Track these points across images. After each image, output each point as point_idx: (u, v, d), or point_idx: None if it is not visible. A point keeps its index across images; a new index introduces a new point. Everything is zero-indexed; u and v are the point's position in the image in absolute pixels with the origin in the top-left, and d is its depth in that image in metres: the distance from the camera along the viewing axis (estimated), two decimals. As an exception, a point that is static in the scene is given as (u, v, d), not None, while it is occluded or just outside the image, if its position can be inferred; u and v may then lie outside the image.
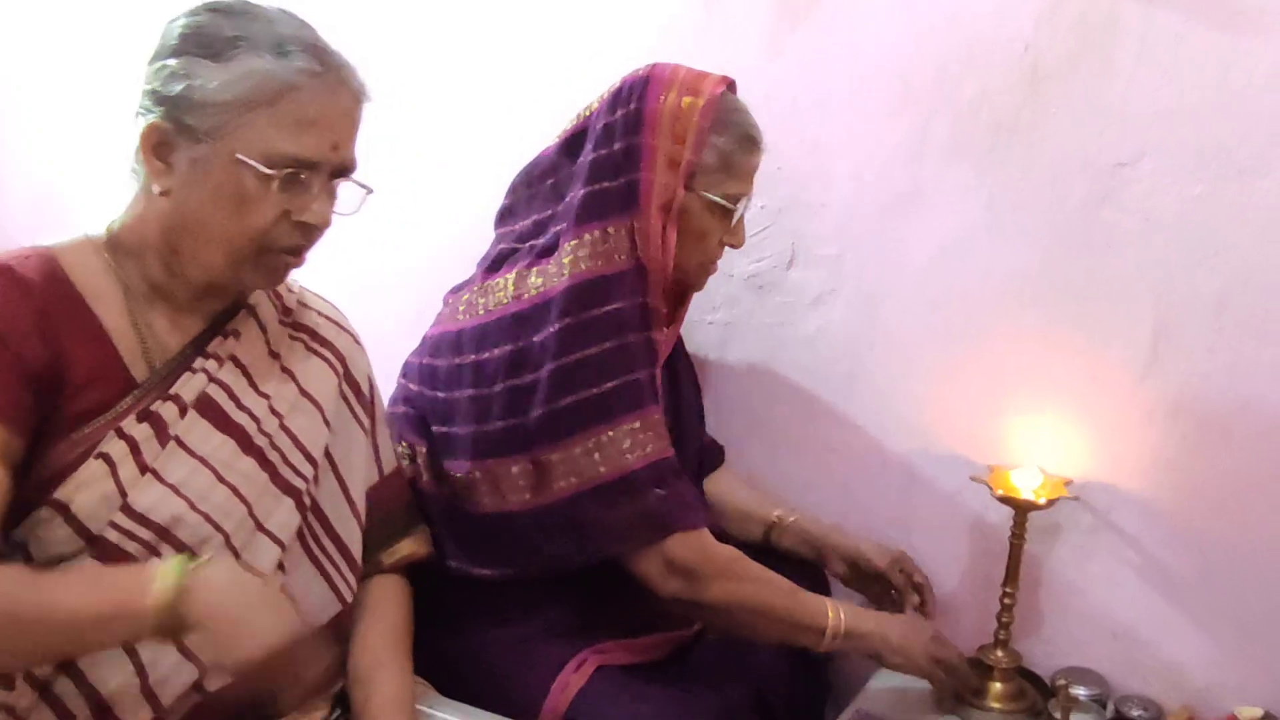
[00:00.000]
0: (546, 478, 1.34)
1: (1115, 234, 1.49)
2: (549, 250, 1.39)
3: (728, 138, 1.40)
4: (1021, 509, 1.49)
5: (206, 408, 1.13)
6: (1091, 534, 1.57)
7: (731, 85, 1.44)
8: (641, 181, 1.36)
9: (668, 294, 1.43)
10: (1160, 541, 1.54)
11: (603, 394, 1.33)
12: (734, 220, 1.44)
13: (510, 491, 1.36)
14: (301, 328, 1.27)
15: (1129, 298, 1.50)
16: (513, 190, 1.52)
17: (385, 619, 1.28)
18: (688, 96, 1.38)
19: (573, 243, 1.36)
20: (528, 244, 1.43)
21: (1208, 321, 1.46)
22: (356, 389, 1.30)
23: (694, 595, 1.37)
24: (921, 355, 1.64)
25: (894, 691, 1.59)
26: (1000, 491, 1.50)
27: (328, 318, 1.31)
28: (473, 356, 1.39)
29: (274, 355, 1.22)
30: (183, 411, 1.12)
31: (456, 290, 1.51)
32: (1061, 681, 1.47)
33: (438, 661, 1.32)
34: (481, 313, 1.41)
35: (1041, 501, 1.47)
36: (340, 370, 1.28)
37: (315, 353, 1.26)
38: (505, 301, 1.39)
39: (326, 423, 1.23)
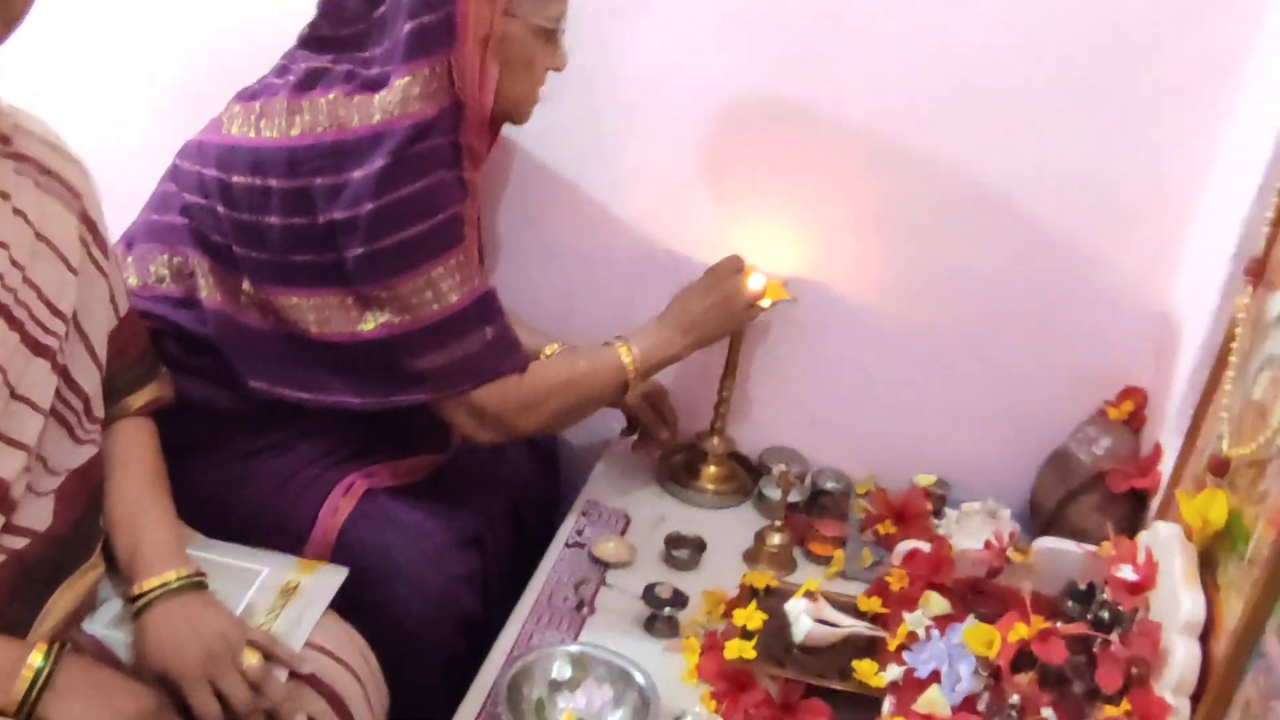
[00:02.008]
0: (373, 312, 1.32)
1: (839, 50, 1.55)
2: (375, 84, 1.32)
3: None
4: (746, 310, 1.61)
5: None
6: (798, 329, 1.71)
7: None
8: (458, 14, 1.31)
9: (484, 131, 1.40)
10: (856, 335, 1.72)
11: (426, 231, 1.31)
12: (557, 42, 1.42)
13: (337, 322, 1.33)
14: (25, 159, 1.12)
15: (847, 113, 1.58)
16: (319, 24, 1.40)
17: (139, 464, 1.24)
18: None
19: (404, 80, 1.30)
20: (343, 68, 1.34)
21: (919, 138, 1.57)
22: (93, 227, 1.19)
23: (509, 435, 1.44)
24: (647, 162, 1.68)
25: (616, 479, 1.73)
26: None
27: (51, 145, 1.17)
28: (282, 181, 1.31)
29: (2, 195, 1.08)
30: None
31: (248, 98, 1.39)
32: (782, 467, 1.64)
33: (196, 502, 1.31)
34: (295, 133, 1.32)
35: (766, 304, 1.58)
36: (76, 208, 1.16)
37: (45, 189, 1.12)
38: (324, 127, 1.31)
39: (72, 270, 1.13)
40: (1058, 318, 1.64)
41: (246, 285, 1.35)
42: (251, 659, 1.13)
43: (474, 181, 1.42)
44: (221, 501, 1.37)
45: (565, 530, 1.60)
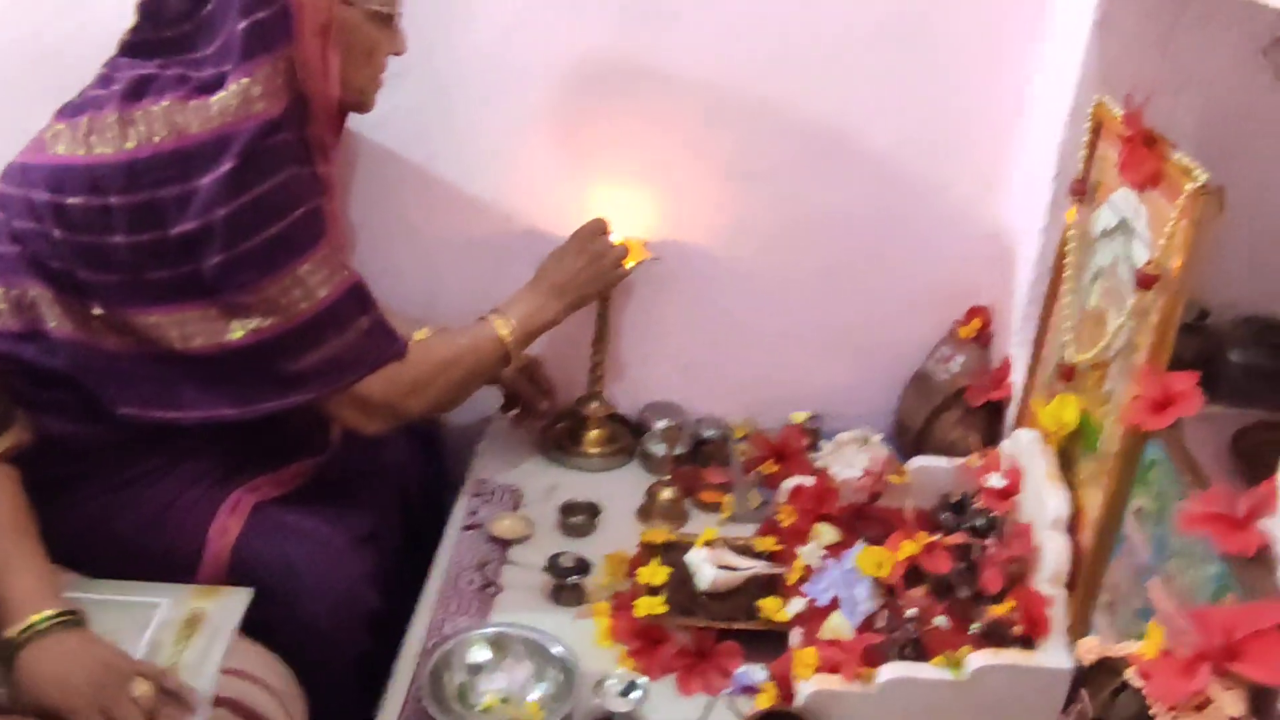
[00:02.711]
0: (241, 320, 1.29)
1: (679, 5, 1.59)
2: (210, 86, 1.27)
3: None
4: (610, 275, 1.65)
5: None
6: (663, 285, 1.76)
7: None
8: (293, 6, 1.28)
9: (332, 122, 1.38)
10: (719, 284, 1.79)
11: (286, 229, 1.28)
12: (394, 26, 1.41)
13: (202, 335, 1.30)
14: None
15: (690, 68, 1.63)
16: (140, 28, 1.35)
17: (3, 512, 1.20)
18: None
19: (244, 81, 1.27)
20: (173, 73, 1.29)
21: (759, 85, 1.63)
22: None
23: (397, 421, 1.44)
24: (499, 135, 1.69)
25: (501, 455, 1.76)
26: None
27: None
28: (123, 198, 1.26)
29: None
30: None
31: (71, 114, 1.32)
32: (663, 423, 1.69)
33: (72, 540, 1.28)
34: (131, 145, 1.27)
35: (629, 266, 1.62)
36: None
37: None
38: (163, 136, 1.26)
39: None
40: (906, 246, 1.74)
41: (97, 309, 1.31)
42: (143, 687, 1.12)
43: (328, 175, 1.40)
44: (99, 537, 1.34)
45: (458, 513, 1.62)
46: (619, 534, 1.59)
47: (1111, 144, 1.28)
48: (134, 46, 1.35)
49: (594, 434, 1.77)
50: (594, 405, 1.77)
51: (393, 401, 1.41)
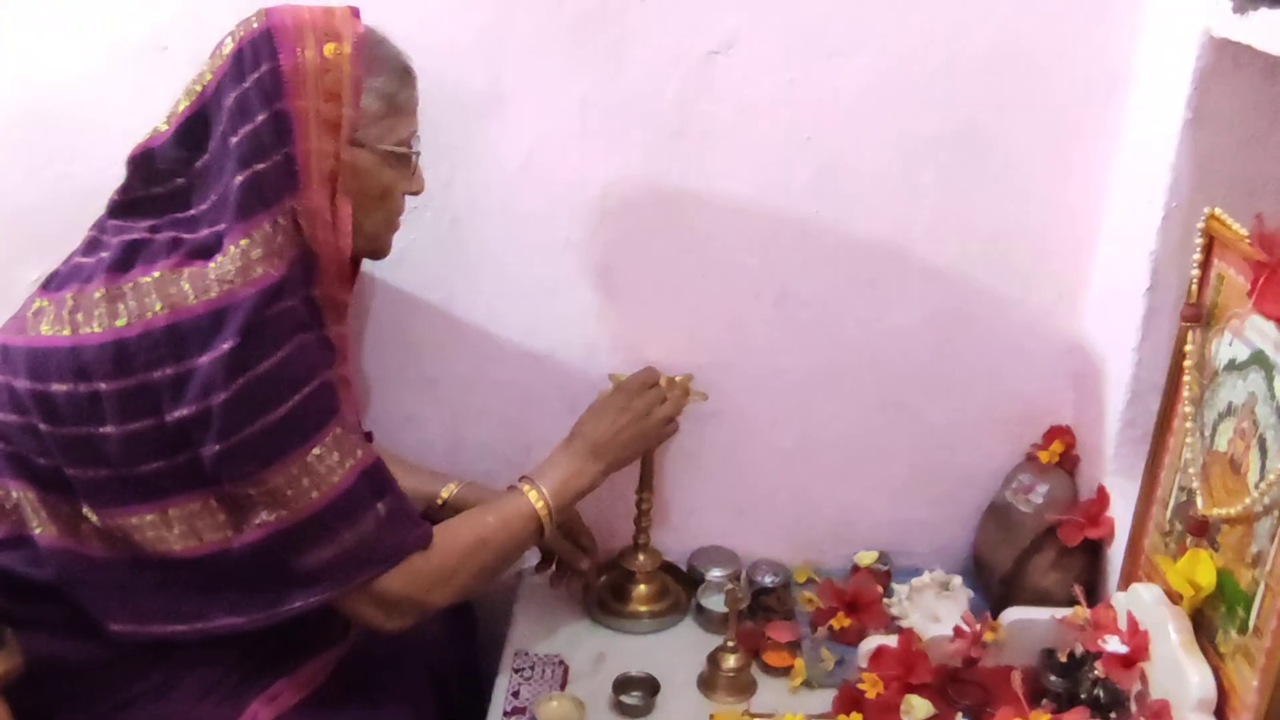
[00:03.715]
0: (245, 514, 1.15)
1: (712, 126, 1.46)
2: (207, 250, 1.14)
3: (386, 77, 1.23)
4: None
5: None
6: (709, 420, 1.61)
7: (356, 12, 1.23)
8: (298, 155, 1.16)
9: (344, 278, 1.24)
10: (770, 417, 1.64)
11: (292, 410, 1.14)
12: (412, 165, 1.29)
13: (200, 533, 1.16)
14: None
15: (729, 190, 1.49)
16: (130, 186, 1.23)
17: None
18: (330, 43, 1.17)
19: (243, 241, 1.14)
20: (165, 237, 1.16)
21: (806, 206, 1.49)
22: None
23: (421, 617, 1.29)
24: (522, 270, 1.56)
25: (538, 618, 1.60)
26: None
27: None
28: (113, 383, 1.12)
29: None
30: None
31: (55, 288, 1.19)
32: (716, 573, 1.54)
33: None
34: (122, 323, 1.13)
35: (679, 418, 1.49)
36: None
37: None
38: (155, 312, 1.12)
39: None
40: (972, 365, 1.59)
41: (86, 511, 1.16)
42: None
43: (342, 336, 1.26)
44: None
45: (499, 695, 1.45)
46: (680, 710, 1.42)
47: (1230, 263, 1.14)
48: (123, 207, 1.22)
49: (641, 589, 1.61)
50: (641, 559, 1.60)
51: (415, 596, 1.25)
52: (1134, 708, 1.21)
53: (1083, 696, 1.27)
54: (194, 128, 1.20)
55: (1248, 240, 1.08)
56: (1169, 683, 1.16)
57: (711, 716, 1.36)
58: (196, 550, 1.16)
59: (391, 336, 1.59)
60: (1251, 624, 1.07)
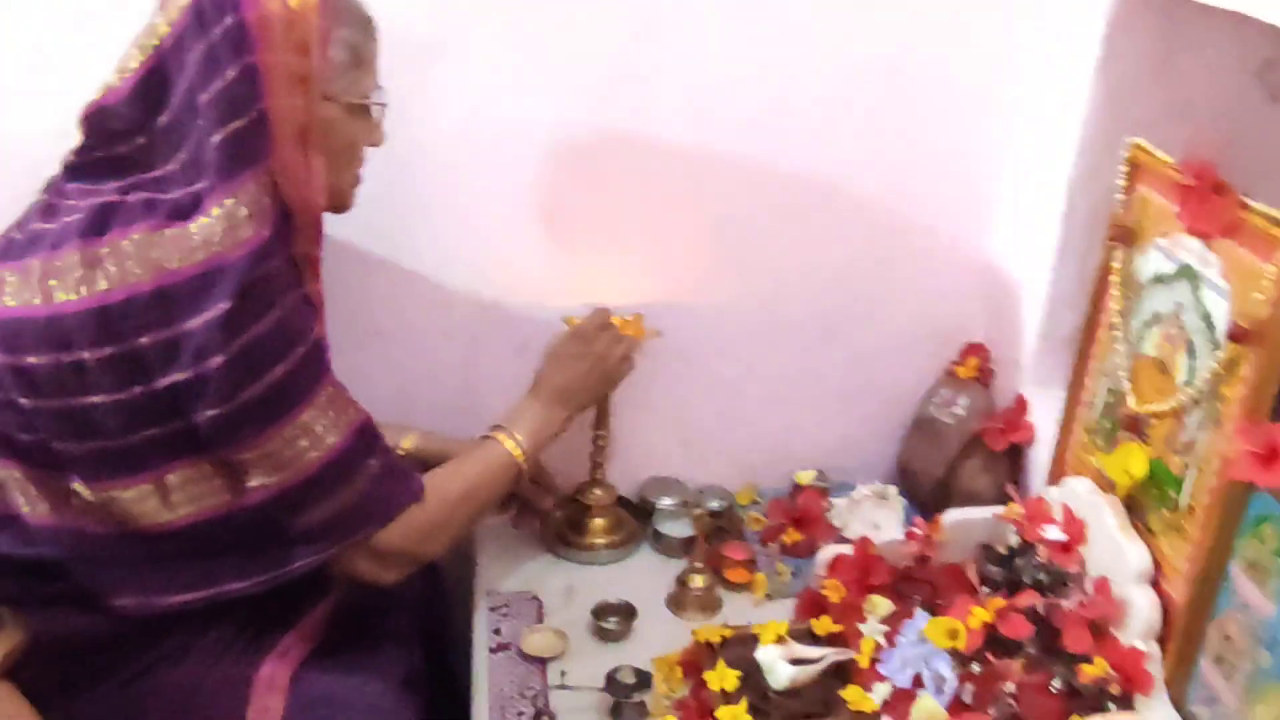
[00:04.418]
0: (242, 478, 1.16)
1: (654, 71, 1.52)
2: (184, 211, 1.12)
3: (351, 28, 1.23)
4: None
5: None
6: (654, 355, 1.68)
7: None
8: (270, 111, 1.14)
9: (318, 234, 1.24)
10: (712, 348, 1.73)
11: (289, 372, 1.15)
12: (376, 117, 1.29)
13: (202, 497, 1.17)
14: None
15: (671, 133, 1.56)
16: (87, 146, 1.19)
17: None
18: None
19: (228, 202, 1.12)
20: (138, 198, 1.14)
21: (745, 145, 1.58)
22: None
23: (415, 568, 1.33)
24: (472, 218, 1.59)
25: (502, 558, 1.67)
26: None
27: None
28: (97, 351, 1.11)
29: None
30: None
31: (16, 256, 1.16)
32: (668, 501, 1.62)
33: None
34: (104, 286, 1.11)
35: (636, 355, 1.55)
36: None
37: None
38: (138, 275, 1.11)
39: None
40: (894, 290, 1.72)
41: (77, 486, 1.15)
42: None
43: (318, 294, 1.28)
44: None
45: (480, 633, 1.51)
46: (655, 631, 1.51)
47: (1154, 187, 1.28)
48: (82, 169, 1.20)
49: (599, 522, 1.68)
50: (598, 493, 1.68)
51: (410, 548, 1.30)
52: (1074, 588, 1.37)
53: (1026, 581, 1.42)
54: (152, 84, 1.17)
55: (1173, 167, 1.22)
56: (1108, 561, 1.31)
57: (694, 633, 1.45)
58: (194, 517, 1.17)
59: (339, 289, 1.57)
60: (1184, 503, 1.23)
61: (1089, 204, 1.48)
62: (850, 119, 1.59)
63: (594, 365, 1.50)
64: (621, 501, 1.74)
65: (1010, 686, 1.27)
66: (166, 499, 1.16)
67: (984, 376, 1.74)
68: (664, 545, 1.68)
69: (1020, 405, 1.64)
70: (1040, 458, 1.59)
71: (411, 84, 1.49)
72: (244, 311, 1.12)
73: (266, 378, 1.14)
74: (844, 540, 1.62)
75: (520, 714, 1.38)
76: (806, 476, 1.76)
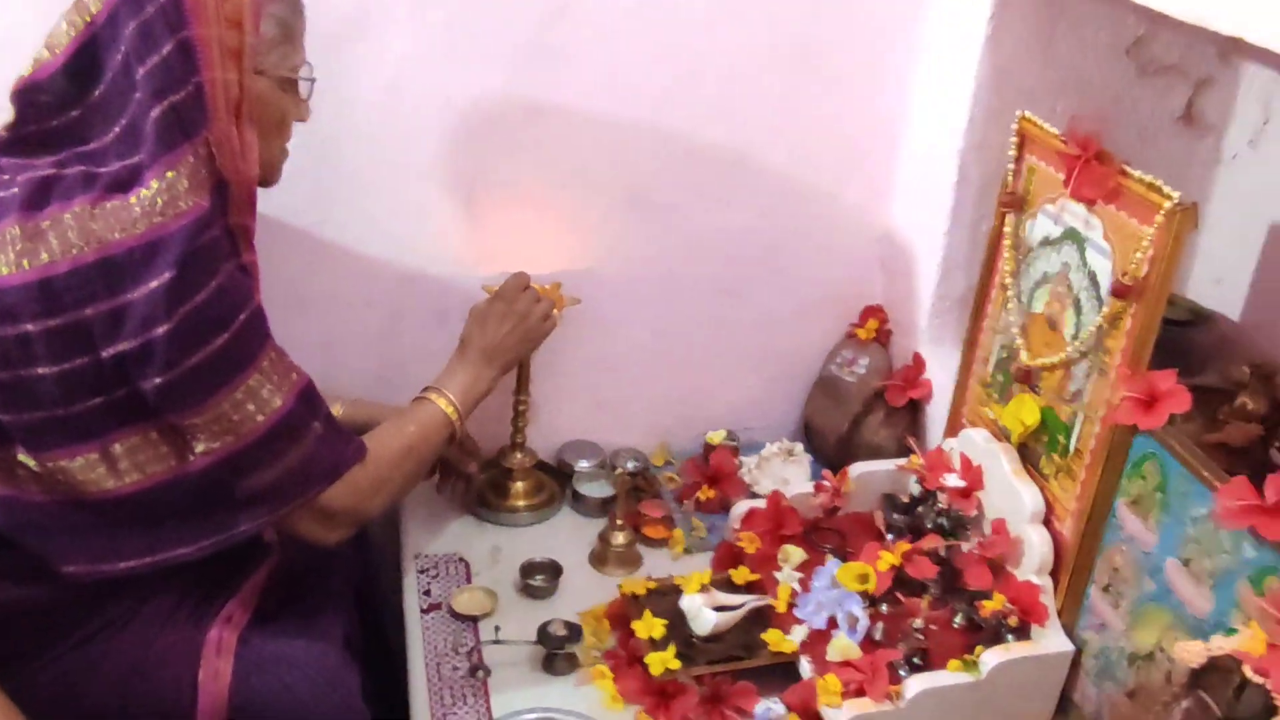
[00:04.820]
0: (188, 443, 1.17)
1: (570, 44, 1.56)
2: (123, 184, 1.13)
3: (282, 3, 1.25)
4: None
5: None
6: (568, 322, 1.72)
7: None
8: (206, 84, 1.15)
9: (252, 205, 1.25)
10: (624, 315, 1.79)
11: (232, 338, 1.17)
12: (306, 92, 1.31)
13: (149, 464, 1.17)
14: None
15: (586, 104, 1.60)
16: (21, 121, 1.19)
17: None
18: None
19: (169, 174, 1.13)
20: (75, 171, 1.14)
21: (657, 117, 1.63)
22: None
23: (358, 526, 1.35)
24: (392, 190, 1.61)
25: (427, 523, 1.70)
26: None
27: None
28: (41, 322, 1.11)
29: None
30: None
31: None
32: (584, 464, 1.66)
33: (48, 708, 1.13)
34: (44, 260, 1.11)
35: (557, 315, 1.60)
36: None
37: None
38: (81, 248, 1.11)
39: None
40: (797, 256, 1.80)
41: (22, 456, 1.15)
42: None
43: (254, 264, 1.29)
44: (76, 702, 1.20)
45: (410, 595, 1.55)
46: (579, 587, 1.57)
47: (1041, 156, 1.38)
48: (15, 143, 1.19)
49: (520, 485, 1.73)
50: (519, 457, 1.72)
51: (355, 507, 1.32)
52: (973, 530, 1.47)
53: (929, 526, 1.52)
54: (85, 58, 1.17)
55: (1059, 137, 1.32)
56: (1003, 504, 1.42)
57: (620, 586, 1.52)
58: (142, 484, 1.18)
59: (261, 260, 1.59)
60: (1072, 447, 1.34)
61: (979, 173, 1.58)
62: (756, 93, 1.66)
63: (517, 324, 1.54)
64: (541, 465, 1.78)
65: (918, 623, 1.37)
66: (114, 467, 1.17)
67: (883, 337, 1.83)
68: (583, 506, 1.74)
69: (918, 363, 1.74)
70: (937, 412, 1.69)
71: (333, 58, 1.49)
72: (187, 280, 1.14)
73: (211, 344, 1.16)
74: (755, 496, 1.71)
75: (456, 669, 1.42)
76: (717, 436, 1.83)
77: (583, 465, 1.79)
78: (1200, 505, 1.14)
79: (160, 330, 1.12)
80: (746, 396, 1.88)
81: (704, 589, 1.44)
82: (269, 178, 1.34)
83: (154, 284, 1.12)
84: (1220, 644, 0.96)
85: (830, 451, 1.80)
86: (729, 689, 1.38)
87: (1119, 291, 1.22)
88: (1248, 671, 0.92)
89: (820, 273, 1.82)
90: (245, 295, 1.21)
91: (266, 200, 1.52)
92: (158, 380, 1.14)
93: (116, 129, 1.16)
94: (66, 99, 1.18)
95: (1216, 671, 0.96)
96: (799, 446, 1.79)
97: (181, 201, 1.14)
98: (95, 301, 1.12)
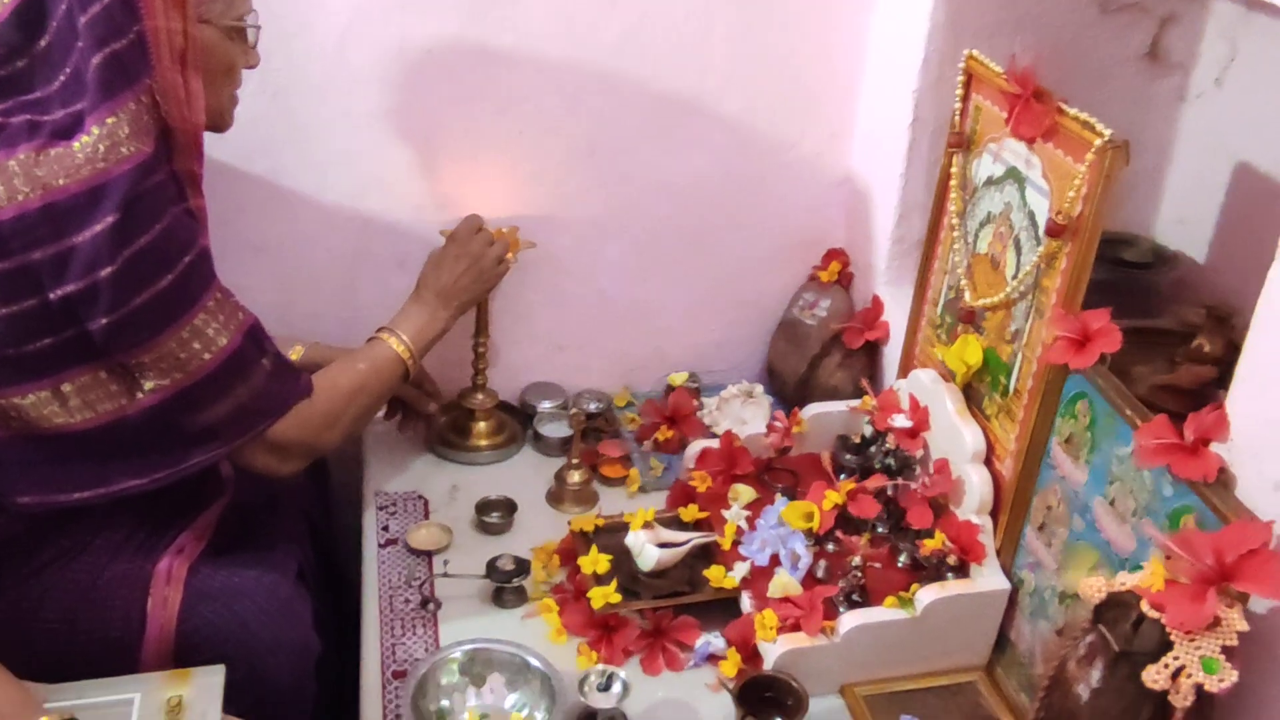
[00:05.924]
0: (137, 381, 1.19)
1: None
2: (66, 131, 1.12)
3: None
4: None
5: None
6: (530, 266, 1.72)
7: None
8: (148, 32, 1.14)
9: (199, 151, 1.24)
10: (586, 259, 1.78)
11: (177, 279, 1.17)
12: (253, 40, 1.30)
13: (99, 402, 1.19)
14: None
15: (542, 51, 1.58)
16: None
17: None
18: None
19: (110, 120, 1.12)
20: (20, 120, 1.14)
21: (613, 64, 1.60)
22: None
23: (312, 459, 1.38)
24: (347, 137, 1.60)
25: (389, 461, 1.70)
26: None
27: None
28: None
29: None
30: None
31: None
32: (547, 405, 1.66)
33: None
34: None
35: (512, 258, 1.59)
36: None
37: None
38: (26, 194, 1.11)
39: None
40: (758, 201, 1.78)
41: None
42: None
43: (200, 209, 1.29)
44: (25, 630, 1.21)
45: (369, 530, 1.56)
46: (535, 524, 1.58)
47: (987, 95, 1.35)
48: None
49: (482, 425, 1.73)
50: (480, 398, 1.72)
51: (307, 440, 1.33)
52: (919, 470, 1.47)
53: (876, 467, 1.51)
54: (31, 8, 1.17)
55: (1003, 76, 1.30)
56: (947, 444, 1.41)
57: (570, 523, 1.52)
58: (93, 421, 1.19)
59: (216, 207, 1.58)
60: (1012, 387, 1.33)
61: (934, 114, 1.56)
62: (715, 39, 1.63)
63: (471, 265, 1.54)
64: (505, 406, 1.79)
65: (856, 560, 1.37)
66: (65, 404, 1.18)
67: (845, 280, 1.82)
68: (544, 445, 1.74)
69: (876, 305, 1.73)
70: (894, 354, 1.68)
71: (285, 6, 1.49)
72: (130, 224, 1.14)
73: (155, 285, 1.16)
74: (714, 436, 1.71)
75: (408, 601, 1.44)
76: (679, 378, 1.83)
77: (545, 406, 1.79)
78: (1125, 445, 1.13)
79: (105, 272, 1.13)
80: (710, 339, 1.87)
81: (648, 525, 1.44)
82: (219, 124, 1.33)
83: (98, 227, 1.12)
84: (1123, 580, 0.95)
85: (790, 394, 1.80)
86: (671, 623, 1.39)
87: (1053, 230, 1.20)
88: (1144, 606, 0.92)
89: (783, 217, 1.80)
90: (190, 238, 1.21)
91: (223, 145, 1.54)
92: (104, 320, 1.14)
93: (61, 78, 1.16)
94: (14, 49, 1.17)
95: (1118, 607, 0.95)
96: (759, 388, 1.78)
97: (124, 147, 1.14)
98: (42, 245, 1.12)
